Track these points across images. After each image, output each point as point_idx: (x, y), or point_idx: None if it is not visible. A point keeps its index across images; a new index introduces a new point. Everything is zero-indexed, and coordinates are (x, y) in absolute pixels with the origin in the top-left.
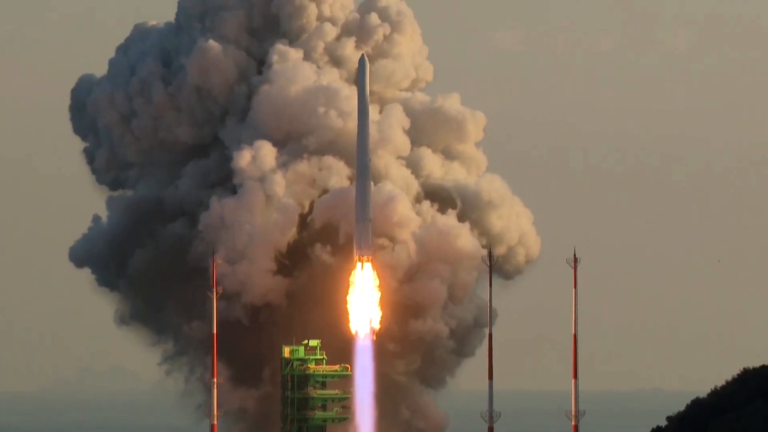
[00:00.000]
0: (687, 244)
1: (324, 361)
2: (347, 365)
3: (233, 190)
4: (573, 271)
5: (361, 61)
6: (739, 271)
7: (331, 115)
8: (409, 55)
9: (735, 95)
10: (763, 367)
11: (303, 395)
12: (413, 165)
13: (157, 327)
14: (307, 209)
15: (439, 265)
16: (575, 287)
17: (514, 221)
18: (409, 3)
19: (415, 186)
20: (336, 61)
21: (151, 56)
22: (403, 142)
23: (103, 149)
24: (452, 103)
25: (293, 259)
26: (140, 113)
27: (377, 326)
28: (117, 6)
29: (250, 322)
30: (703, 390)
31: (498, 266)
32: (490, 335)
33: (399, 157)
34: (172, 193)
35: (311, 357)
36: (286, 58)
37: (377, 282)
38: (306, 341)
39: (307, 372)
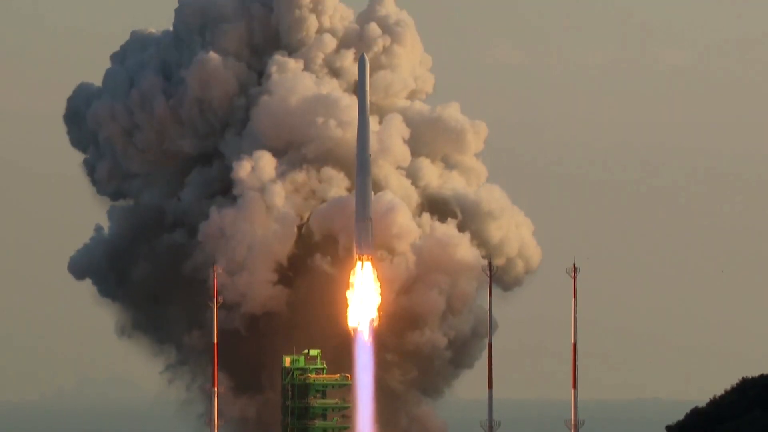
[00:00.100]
0: (686, 254)
1: (324, 370)
2: (347, 374)
3: (234, 200)
4: (573, 280)
5: (361, 60)
6: (738, 280)
7: (330, 125)
8: (409, 66)
9: (735, 105)
10: (762, 376)
11: (303, 404)
12: (413, 175)
13: (158, 337)
14: (306, 219)
15: (437, 275)
16: (575, 297)
17: (514, 231)
18: (409, 12)
19: (415, 197)
20: (335, 72)
21: (150, 68)
22: (402, 153)
23: (105, 161)
24: (452, 113)
25: (294, 269)
26: (143, 126)
27: (377, 319)
28: (112, 11)
29: (250, 332)
30: (702, 399)
31: (497, 277)
32: (490, 344)
33: (399, 167)
34: (174, 204)
35: (311, 366)
36: (285, 68)
37: (377, 284)
38: (306, 351)
39: (307, 381)
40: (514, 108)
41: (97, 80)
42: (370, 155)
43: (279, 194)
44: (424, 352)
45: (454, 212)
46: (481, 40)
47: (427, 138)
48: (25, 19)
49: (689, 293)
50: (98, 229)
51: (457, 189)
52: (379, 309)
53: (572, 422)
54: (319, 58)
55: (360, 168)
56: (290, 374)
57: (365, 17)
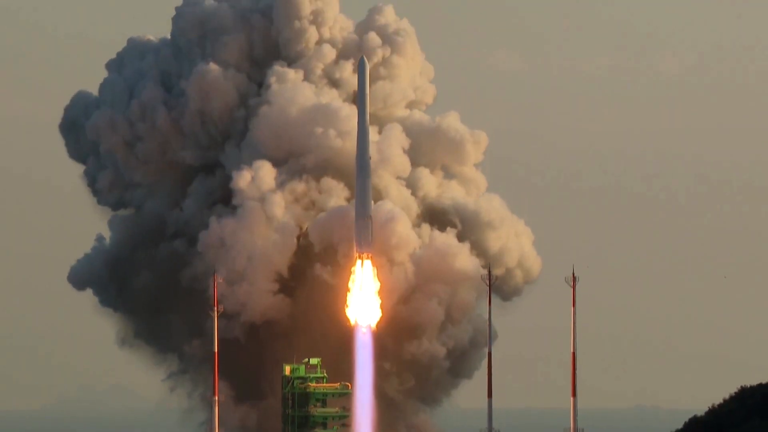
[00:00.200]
0: (685, 263)
1: (324, 379)
2: (347, 383)
3: (234, 210)
4: (572, 289)
5: (361, 63)
6: (737, 289)
7: (330, 135)
8: (408, 77)
9: (734, 115)
10: (761, 385)
11: (303, 413)
12: (413, 185)
13: (159, 346)
14: (305, 229)
15: (436, 285)
16: (574, 306)
17: (514, 241)
18: (409, 21)
19: (414, 207)
20: (334, 83)
21: (150, 79)
22: (402, 163)
23: (106, 171)
24: (451, 122)
25: (294, 279)
26: (145, 138)
27: (378, 315)
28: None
29: (250, 341)
30: (701, 408)
31: (497, 286)
32: (490, 353)
33: (399, 178)
34: (176, 214)
35: (312, 375)
36: (285, 79)
37: (377, 283)
38: (306, 360)
39: (307, 390)
40: (514, 116)
41: (93, 86)
42: (370, 157)
43: (279, 204)
44: (422, 362)
45: (453, 222)
46: (481, 48)
47: (426, 148)
48: (22, 23)
49: (688, 302)
50: (99, 238)
51: (456, 198)
52: (380, 307)
53: (571, 431)
54: (319, 68)
55: (360, 167)
56: (290, 383)
57: (364, 27)
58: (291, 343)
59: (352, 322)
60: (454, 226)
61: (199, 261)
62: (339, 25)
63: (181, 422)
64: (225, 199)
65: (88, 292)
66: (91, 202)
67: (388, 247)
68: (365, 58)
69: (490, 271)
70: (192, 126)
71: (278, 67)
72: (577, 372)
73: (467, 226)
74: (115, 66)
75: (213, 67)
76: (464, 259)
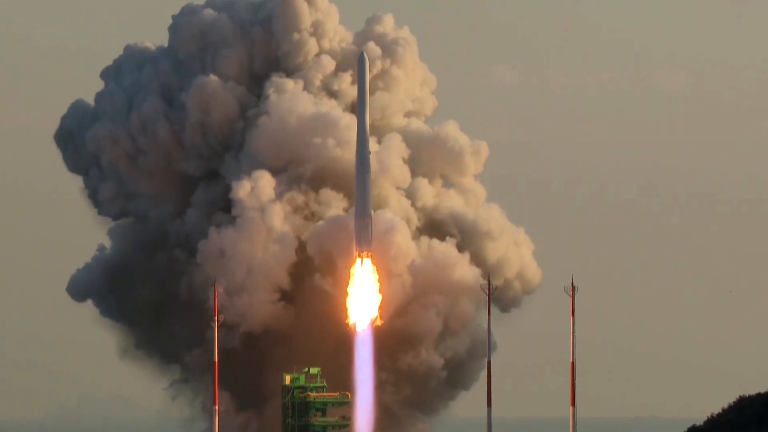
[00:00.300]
0: (684, 274)
1: (324, 388)
2: (347, 392)
3: (233, 220)
4: (571, 299)
5: (361, 58)
6: (736, 299)
7: (329, 145)
8: (408, 88)
9: (733, 127)
10: (760, 394)
11: (304, 422)
12: (412, 195)
13: (160, 356)
14: (305, 240)
15: (435, 296)
16: (573, 315)
17: (513, 251)
18: (412, 30)
19: (414, 219)
20: (333, 94)
21: (151, 92)
22: (402, 173)
23: (109, 182)
24: (450, 131)
25: (293, 289)
26: (147, 151)
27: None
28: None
29: (250, 351)
30: (699, 417)
31: (496, 297)
32: (489, 363)
33: (398, 188)
34: (177, 224)
35: (312, 385)
36: (283, 89)
37: (377, 282)
38: (306, 369)
39: (307, 399)
40: (514, 128)
41: (88, 94)
42: (370, 152)
43: (278, 215)
44: (420, 373)
45: (452, 232)
46: (481, 60)
47: (425, 158)
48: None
49: (687, 311)
50: (101, 248)
51: (455, 208)
52: (380, 307)
53: None
54: (317, 79)
55: (360, 167)
56: (290, 392)
57: (363, 37)
58: (291, 352)
59: (352, 322)
60: (453, 236)
61: (198, 271)
62: (339, 36)
63: (181, 431)
64: (227, 208)
65: (89, 303)
66: (90, 213)
67: (387, 258)
68: (365, 54)
69: (489, 282)
70: (193, 138)
71: (277, 78)
72: (576, 381)
73: (466, 236)
74: (111, 74)
75: (213, 79)
76: (463, 270)
